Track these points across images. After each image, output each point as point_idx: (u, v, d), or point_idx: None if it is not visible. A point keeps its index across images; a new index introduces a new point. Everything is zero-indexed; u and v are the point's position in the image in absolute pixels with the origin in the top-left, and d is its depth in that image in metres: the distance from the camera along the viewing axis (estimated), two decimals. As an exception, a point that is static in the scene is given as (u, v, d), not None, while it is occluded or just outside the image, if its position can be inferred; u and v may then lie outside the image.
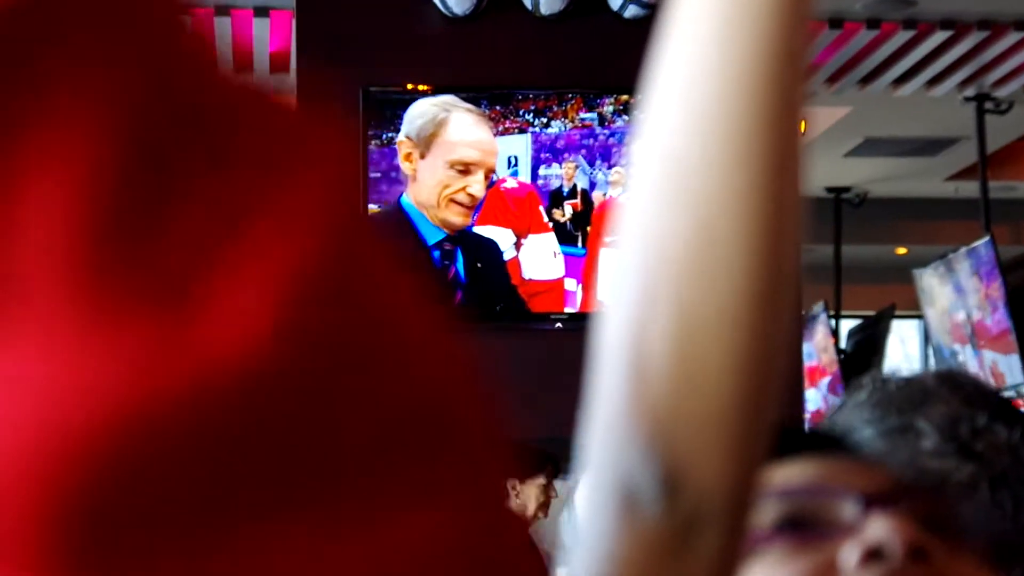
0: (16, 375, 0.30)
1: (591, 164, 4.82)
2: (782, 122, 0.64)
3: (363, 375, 0.33)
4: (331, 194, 0.35)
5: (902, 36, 6.01)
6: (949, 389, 1.08)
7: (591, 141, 4.83)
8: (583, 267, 4.81)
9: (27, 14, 0.31)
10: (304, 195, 0.34)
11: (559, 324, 4.79)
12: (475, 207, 4.76)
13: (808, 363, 7.56)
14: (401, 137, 4.75)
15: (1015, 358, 6.32)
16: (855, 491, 0.83)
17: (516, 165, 4.81)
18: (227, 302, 0.31)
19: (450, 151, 4.77)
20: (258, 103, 0.35)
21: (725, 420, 0.62)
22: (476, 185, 4.77)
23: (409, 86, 4.77)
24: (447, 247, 4.75)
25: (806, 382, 7.19)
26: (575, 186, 4.83)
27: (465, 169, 4.76)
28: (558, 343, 4.77)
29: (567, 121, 4.82)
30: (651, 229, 0.64)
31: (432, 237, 4.74)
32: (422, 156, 4.76)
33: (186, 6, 0.35)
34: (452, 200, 4.76)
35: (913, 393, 1.09)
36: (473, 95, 4.79)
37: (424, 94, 4.77)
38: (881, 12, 5.81)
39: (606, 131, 4.83)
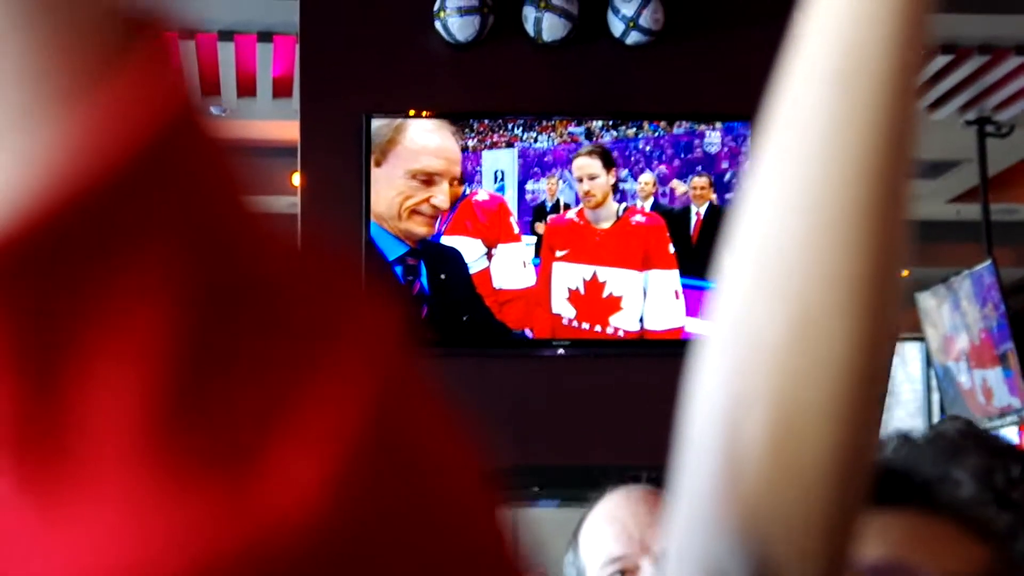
0: (93, 533, 0.32)
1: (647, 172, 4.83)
2: (889, 214, 0.63)
3: (412, 529, 0.35)
4: (379, 356, 0.36)
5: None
6: (975, 442, 1.10)
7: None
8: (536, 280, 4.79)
9: (104, 194, 0.33)
10: (354, 359, 0.36)
11: (561, 351, 4.80)
12: (439, 217, 4.74)
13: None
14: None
15: (1011, 375, 6.33)
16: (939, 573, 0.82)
17: (503, 179, 4.80)
18: (285, 466, 0.33)
19: (411, 160, 4.74)
20: (310, 268, 0.39)
21: (820, 512, 0.62)
22: (440, 196, 4.74)
23: (412, 112, 4.78)
24: (410, 261, 4.70)
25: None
26: (558, 201, 4.84)
27: (428, 179, 4.74)
28: (555, 370, 4.79)
29: (555, 135, 4.82)
30: (747, 319, 0.63)
31: (393, 252, 4.70)
32: (377, 164, 4.73)
33: (242, 177, 0.39)
34: (414, 211, 4.72)
35: (943, 446, 1.10)
36: (474, 121, 4.80)
37: (427, 120, 4.78)
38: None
39: (593, 146, 4.83)
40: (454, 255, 4.74)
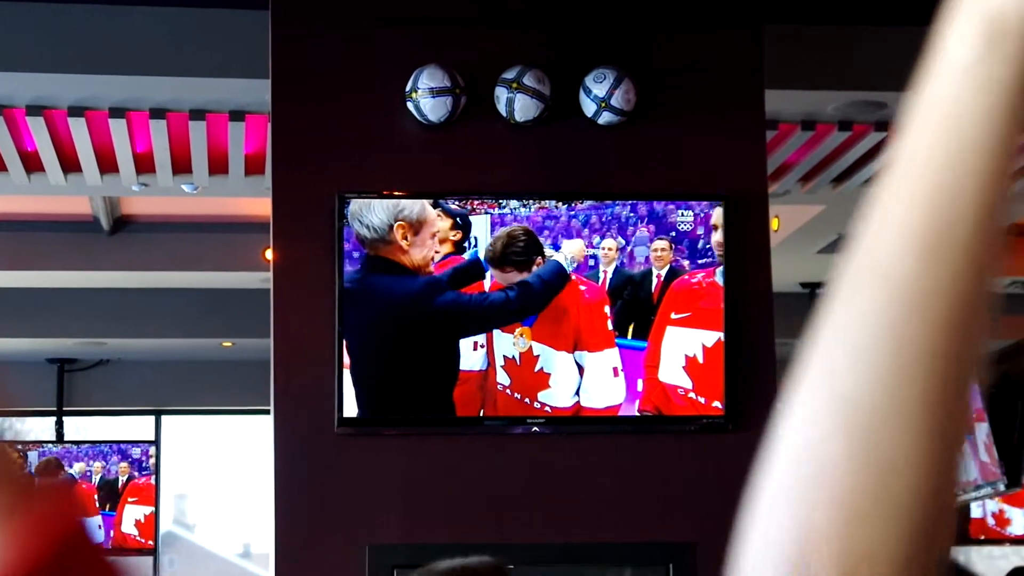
0: None
1: (555, 246, 4.82)
2: (956, 401, 0.64)
3: None
4: (54, 523, 0.60)
5: (873, 137, 6.06)
6: None
7: (553, 223, 4.83)
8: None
9: None
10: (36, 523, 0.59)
11: (535, 428, 4.78)
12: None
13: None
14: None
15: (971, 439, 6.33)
16: None
17: (476, 246, 4.80)
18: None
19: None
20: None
21: None
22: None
23: (384, 192, 4.78)
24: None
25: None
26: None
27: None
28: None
29: (531, 202, 4.81)
30: (817, 472, 0.63)
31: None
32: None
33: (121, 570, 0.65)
34: None
35: None
36: (448, 201, 4.80)
37: (399, 200, 4.78)
38: (852, 114, 5.87)
39: (570, 212, 4.82)
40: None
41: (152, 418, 10.25)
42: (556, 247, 4.81)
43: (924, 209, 0.64)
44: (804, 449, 0.64)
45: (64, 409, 9.89)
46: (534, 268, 4.79)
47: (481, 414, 4.74)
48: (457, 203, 4.77)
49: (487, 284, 4.77)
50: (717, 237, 4.82)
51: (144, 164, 6.30)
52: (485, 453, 4.77)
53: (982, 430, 6.47)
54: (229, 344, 9.34)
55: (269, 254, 4.95)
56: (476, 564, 2.09)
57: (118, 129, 5.82)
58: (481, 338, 4.75)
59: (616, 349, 4.76)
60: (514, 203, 4.79)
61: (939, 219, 0.64)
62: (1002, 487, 6.42)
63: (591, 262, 4.81)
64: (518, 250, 4.79)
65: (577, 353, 4.77)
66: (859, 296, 0.65)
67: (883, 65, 5.40)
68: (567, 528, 4.71)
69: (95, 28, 5.32)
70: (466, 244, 4.77)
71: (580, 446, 4.78)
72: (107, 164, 6.28)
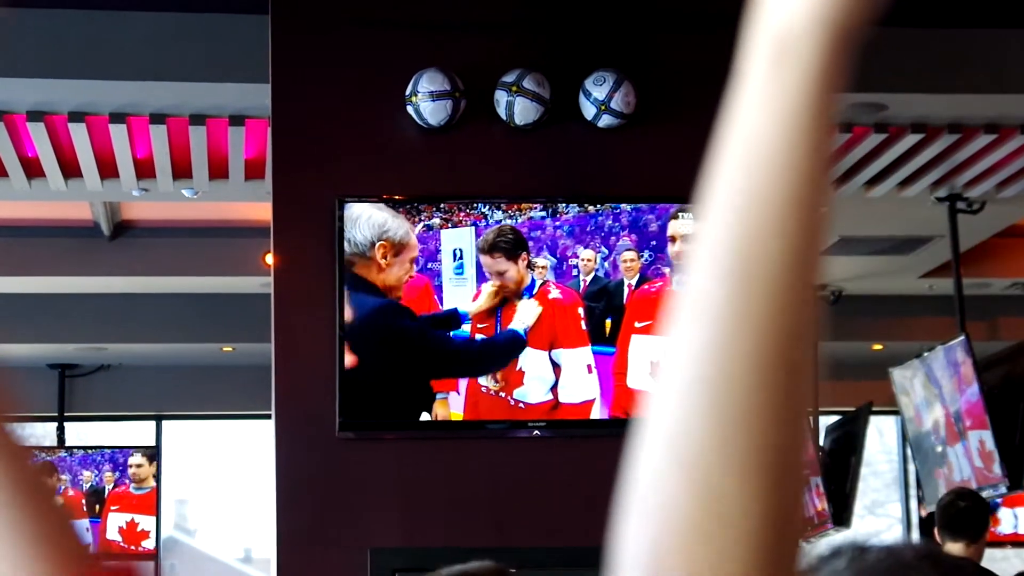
0: None
1: (538, 253, 4.84)
2: (784, 429, 0.65)
3: None
4: None
5: (874, 139, 6.06)
6: (930, 565, 1.07)
7: (539, 233, 4.83)
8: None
9: None
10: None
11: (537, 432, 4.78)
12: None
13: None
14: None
15: (978, 448, 6.33)
16: None
17: (461, 258, 4.80)
18: None
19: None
20: None
21: None
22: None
23: (384, 196, 4.78)
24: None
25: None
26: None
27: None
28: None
29: (517, 213, 4.81)
30: (657, 498, 0.65)
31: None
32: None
33: None
34: None
35: (893, 566, 1.08)
36: (446, 204, 4.80)
37: (399, 204, 4.78)
38: (853, 116, 5.86)
39: (555, 223, 4.83)
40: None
41: (153, 423, 10.24)
42: (539, 256, 4.83)
43: (733, 234, 0.65)
44: (650, 480, 0.66)
45: (65, 415, 9.89)
46: (519, 261, 4.81)
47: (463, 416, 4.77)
48: (441, 216, 4.77)
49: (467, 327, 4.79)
50: (675, 248, 4.83)
51: (144, 169, 6.30)
52: (486, 457, 4.76)
53: (975, 436, 6.47)
54: (229, 349, 9.33)
55: (269, 258, 4.95)
56: (479, 569, 2.09)
57: (118, 134, 5.82)
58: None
59: (589, 348, 4.80)
60: (499, 214, 4.79)
61: (745, 241, 0.65)
62: (1004, 489, 6.41)
63: (574, 272, 4.84)
64: (507, 240, 4.80)
65: (553, 351, 4.80)
66: (684, 333, 0.66)
67: (883, 66, 5.40)
68: (568, 532, 4.70)
69: (95, 34, 5.32)
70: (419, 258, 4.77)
71: (580, 449, 4.78)
72: (107, 169, 6.28)
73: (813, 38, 0.67)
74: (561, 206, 4.83)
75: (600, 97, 4.84)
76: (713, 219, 0.67)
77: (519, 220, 4.81)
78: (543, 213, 4.82)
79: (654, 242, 4.84)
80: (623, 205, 4.84)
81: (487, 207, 4.80)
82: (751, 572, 0.63)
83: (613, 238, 4.83)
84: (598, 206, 4.84)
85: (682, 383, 0.65)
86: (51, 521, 0.62)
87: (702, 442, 0.64)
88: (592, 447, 4.78)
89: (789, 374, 0.64)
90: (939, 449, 6.89)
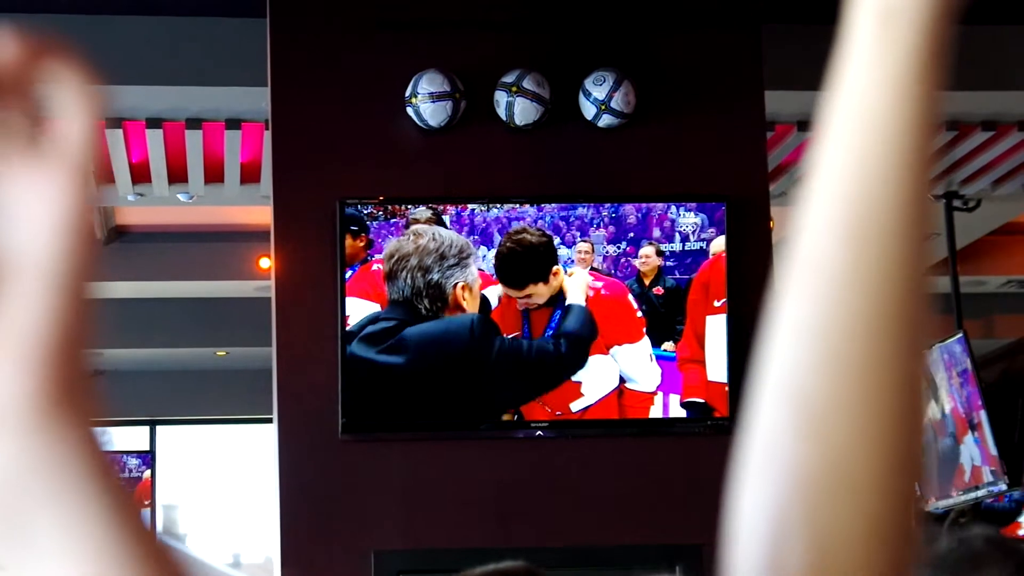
0: None
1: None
2: (908, 376, 0.66)
3: None
4: None
5: (871, 138, 6.06)
6: (1002, 554, 1.08)
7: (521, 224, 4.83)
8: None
9: None
10: None
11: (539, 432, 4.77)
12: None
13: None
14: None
15: (979, 443, 6.33)
16: None
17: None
18: None
19: None
20: None
21: None
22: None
23: (384, 197, 4.77)
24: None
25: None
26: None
27: None
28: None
29: (503, 205, 4.79)
30: (780, 459, 0.66)
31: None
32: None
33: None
34: None
35: (965, 555, 1.08)
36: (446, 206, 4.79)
37: (399, 204, 4.76)
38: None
39: (538, 212, 4.81)
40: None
41: (147, 428, 10.22)
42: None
43: (846, 196, 0.67)
44: (770, 449, 0.66)
45: (59, 421, 9.85)
46: (552, 277, 4.81)
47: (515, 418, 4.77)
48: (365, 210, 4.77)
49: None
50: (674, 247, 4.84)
51: (140, 174, 6.28)
52: (489, 457, 4.76)
53: (973, 434, 6.48)
54: (223, 353, 9.31)
55: (264, 263, 4.94)
56: (509, 568, 2.09)
57: (114, 140, 5.80)
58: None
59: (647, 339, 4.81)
60: (479, 206, 4.77)
61: (861, 204, 0.66)
62: (1003, 486, 6.41)
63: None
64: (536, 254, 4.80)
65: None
66: (802, 296, 0.67)
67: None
68: (573, 531, 4.70)
69: (91, 38, 5.30)
70: (370, 253, 4.74)
71: (585, 449, 4.77)
72: (103, 175, 6.25)
73: (919, 2, 0.68)
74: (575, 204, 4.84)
75: (600, 97, 4.83)
76: (824, 180, 0.68)
77: (504, 210, 4.78)
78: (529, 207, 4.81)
79: (654, 242, 4.83)
80: (626, 205, 4.83)
81: (482, 202, 4.78)
82: (872, 542, 0.64)
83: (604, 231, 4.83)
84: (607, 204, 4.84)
85: (803, 343, 0.66)
86: (140, 537, 0.61)
87: (827, 399, 0.65)
88: (595, 447, 4.77)
89: (908, 333, 0.66)
90: (938, 446, 6.89)
